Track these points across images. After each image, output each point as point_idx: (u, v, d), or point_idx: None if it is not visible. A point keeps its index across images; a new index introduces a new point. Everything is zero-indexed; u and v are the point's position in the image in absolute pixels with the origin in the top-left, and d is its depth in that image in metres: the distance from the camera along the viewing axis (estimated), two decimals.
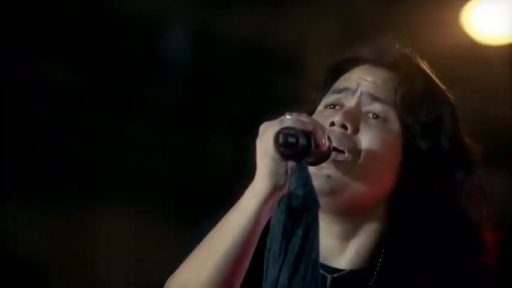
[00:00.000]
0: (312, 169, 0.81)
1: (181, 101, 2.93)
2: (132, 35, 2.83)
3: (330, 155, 0.81)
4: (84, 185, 2.89)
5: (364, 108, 0.95)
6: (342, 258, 0.94)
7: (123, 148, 2.87)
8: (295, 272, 0.72)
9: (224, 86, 2.90)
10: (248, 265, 0.81)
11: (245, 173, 0.83)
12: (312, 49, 2.56)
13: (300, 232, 0.73)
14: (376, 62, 1.02)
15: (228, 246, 0.78)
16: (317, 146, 0.74)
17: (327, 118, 0.93)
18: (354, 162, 0.90)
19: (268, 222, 0.77)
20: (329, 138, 0.79)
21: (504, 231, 1.01)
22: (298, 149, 0.73)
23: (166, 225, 2.72)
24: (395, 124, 0.95)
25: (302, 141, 0.73)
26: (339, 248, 0.94)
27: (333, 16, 2.53)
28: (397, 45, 1.05)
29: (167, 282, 0.86)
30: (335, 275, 0.93)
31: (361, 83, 0.97)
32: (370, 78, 0.98)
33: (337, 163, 0.88)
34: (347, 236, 0.95)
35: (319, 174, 0.86)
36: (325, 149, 0.76)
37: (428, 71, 1.03)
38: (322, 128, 0.78)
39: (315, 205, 0.74)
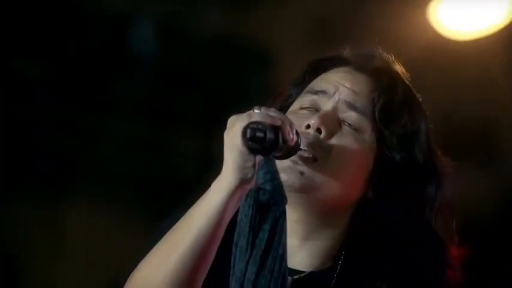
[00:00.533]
0: (287, 163, 0.82)
1: (150, 96, 2.91)
2: (99, 29, 2.79)
3: (297, 150, 0.81)
4: (53, 180, 2.85)
5: (340, 115, 0.94)
6: (302, 259, 0.93)
7: (92, 143, 2.84)
8: (262, 267, 0.72)
9: (193, 80, 2.88)
10: (213, 258, 0.80)
11: (215, 168, 0.82)
12: (282, 44, 2.56)
13: (267, 227, 0.73)
14: (358, 66, 1.01)
15: (193, 239, 0.78)
16: (285, 140, 0.75)
17: (302, 119, 0.92)
18: (325, 165, 0.89)
19: (236, 217, 0.77)
20: (297, 133, 0.79)
21: (470, 246, 1.01)
22: (265, 144, 0.73)
23: (136, 220, 2.70)
24: (369, 135, 0.94)
25: (270, 135, 0.73)
26: (299, 248, 0.94)
27: (302, 8, 2.54)
28: (380, 52, 1.04)
29: (131, 275, 0.85)
30: (295, 276, 0.92)
31: (340, 88, 0.96)
32: (349, 84, 0.97)
33: (310, 163, 0.88)
34: (308, 237, 0.94)
35: (294, 169, 0.86)
36: (292, 143, 0.77)
37: (407, 81, 1.02)
38: (290, 123, 0.77)
39: (283, 200, 0.74)
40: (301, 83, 1.03)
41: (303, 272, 0.92)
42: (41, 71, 2.75)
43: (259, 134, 0.73)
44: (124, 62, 2.85)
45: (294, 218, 0.90)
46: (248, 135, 0.73)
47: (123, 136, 2.86)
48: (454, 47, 2.46)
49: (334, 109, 0.94)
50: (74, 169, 2.87)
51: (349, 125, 0.94)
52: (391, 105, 0.96)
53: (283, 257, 0.74)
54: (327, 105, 0.95)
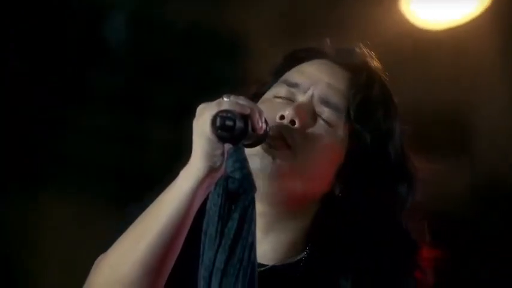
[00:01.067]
0: (259, 150, 0.82)
1: (121, 86, 2.87)
2: (71, 19, 2.74)
3: (266, 138, 0.81)
4: (26, 170, 2.81)
5: (315, 109, 0.94)
6: (264, 253, 0.91)
7: (64, 133, 2.80)
8: (231, 256, 0.72)
9: (165, 70, 2.86)
10: (181, 246, 0.80)
11: (186, 157, 0.81)
12: (254, 33, 2.55)
13: (236, 215, 0.73)
14: (336, 60, 1.00)
15: (161, 226, 0.77)
16: (254, 129, 0.75)
17: (276, 109, 0.91)
18: (297, 155, 0.88)
19: (205, 205, 0.76)
20: (266, 121, 0.79)
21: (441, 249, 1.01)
22: (235, 132, 0.73)
23: (108, 211, 2.68)
24: (342, 130, 0.94)
25: (239, 124, 0.73)
26: (261, 241, 0.90)
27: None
28: (359, 47, 1.03)
29: (96, 261, 0.85)
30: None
31: (316, 81, 0.95)
32: (325, 78, 0.96)
33: (283, 150, 0.88)
34: (271, 230, 0.93)
35: (268, 153, 0.85)
36: (261, 132, 0.77)
37: (383, 78, 1.02)
38: (259, 111, 0.77)
39: (252, 188, 0.74)
40: (278, 72, 1.02)
41: (265, 265, 0.91)
42: (12, 61, 2.70)
43: (229, 123, 0.72)
44: (95, 52, 2.81)
45: (258, 212, 0.86)
46: (217, 123, 0.73)
47: (94, 126, 2.82)
48: (427, 37, 2.48)
49: (309, 102, 0.93)
50: (45, 159, 2.83)
51: (323, 119, 0.93)
52: (367, 102, 0.95)
53: (252, 246, 0.74)
54: (302, 97, 0.94)
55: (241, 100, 0.76)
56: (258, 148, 0.83)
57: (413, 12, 2.15)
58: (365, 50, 1.02)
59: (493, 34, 2.47)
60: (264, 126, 0.77)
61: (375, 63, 1.02)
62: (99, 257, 0.85)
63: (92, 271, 0.84)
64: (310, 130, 0.91)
